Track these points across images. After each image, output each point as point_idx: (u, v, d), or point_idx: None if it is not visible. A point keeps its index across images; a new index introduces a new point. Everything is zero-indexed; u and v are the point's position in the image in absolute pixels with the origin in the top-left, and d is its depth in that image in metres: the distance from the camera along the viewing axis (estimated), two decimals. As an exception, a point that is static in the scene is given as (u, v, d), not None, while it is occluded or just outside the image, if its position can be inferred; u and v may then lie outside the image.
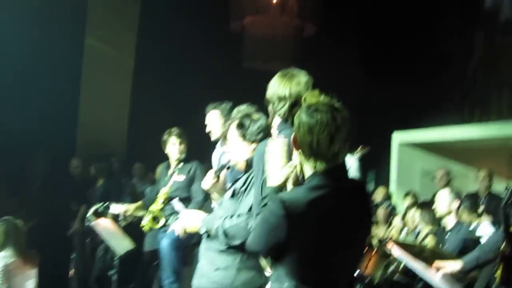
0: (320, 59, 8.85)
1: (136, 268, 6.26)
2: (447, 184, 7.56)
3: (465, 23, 7.88)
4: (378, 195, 7.78)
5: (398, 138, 8.79)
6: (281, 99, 2.78)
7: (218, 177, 3.31)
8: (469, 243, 4.56)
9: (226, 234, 3.03)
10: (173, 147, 5.34)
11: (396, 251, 3.29)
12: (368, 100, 9.35)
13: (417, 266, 3.23)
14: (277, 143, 2.33)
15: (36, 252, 6.02)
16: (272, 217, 2.11)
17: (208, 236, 3.25)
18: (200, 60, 8.58)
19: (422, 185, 8.78)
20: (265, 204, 2.24)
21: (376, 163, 9.11)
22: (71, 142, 8.01)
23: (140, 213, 5.61)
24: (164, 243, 5.11)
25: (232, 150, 3.28)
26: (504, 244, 2.85)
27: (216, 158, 4.64)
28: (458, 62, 8.05)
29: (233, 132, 3.22)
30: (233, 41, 8.58)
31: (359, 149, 4.87)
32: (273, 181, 2.27)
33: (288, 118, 2.74)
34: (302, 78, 2.86)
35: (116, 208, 5.39)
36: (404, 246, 3.79)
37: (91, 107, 8.11)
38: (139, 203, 5.57)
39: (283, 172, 2.26)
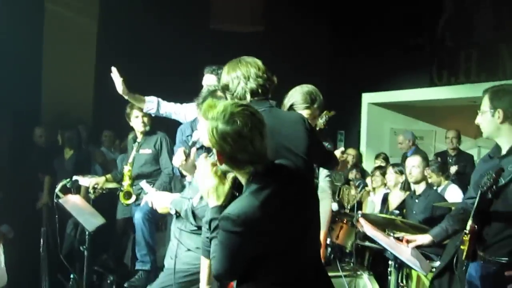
0: (288, 21, 8.73)
1: (109, 238, 6.24)
2: (412, 144, 7.69)
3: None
4: (349, 156, 7.86)
5: (367, 98, 8.83)
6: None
7: (187, 155, 3.24)
8: (437, 210, 4.65)
9: (194, 215, 3.01)
10: (136, 120, 5.28)
11: (366, 229, 3.32)
12: (337, 63, 9.33)
13: (386, 242, 3.27)
14: (204, 165, 2.25)
15: (8, 227, 5.97)
16: (230, 238, 2.05)
17: (178, 216, 3.24)
18: (166, 21, 8.36)
19: (391, 144, 8.91)
20: (215, 227, 2.16)
21: (346, 125, 9.17)
22: (35, 110, 7.76)
23: (110, 185, 5.57)
24: (137, 216, 5.09)
25: (201, 128, 3.22)
26: (471, 219, 2.90)
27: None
28: (426, 24, 8.02)
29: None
30: (199, 2, 8.37)
31: (324, 113, 4.80)
32: (212, 202, 2.21)
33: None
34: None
35: (85, 181, 5.32)
36: (373, 220, 3.84)
37: (54, 73, 7.83)
38: (108, 175, 5.52)
39: (220, 191, 2.19)
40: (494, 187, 2.80)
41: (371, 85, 8.63)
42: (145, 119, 5.26)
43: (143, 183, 3.69)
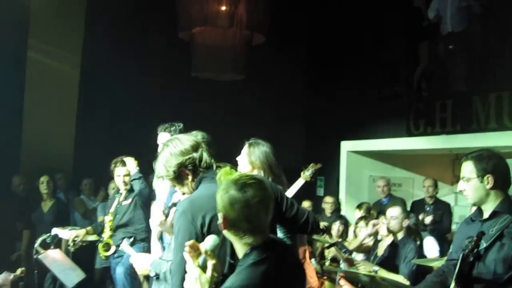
0: (268, 69, 8.91)
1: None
2: (389, 192, 7.80)
3: (409, 34, 8.07)
4: (327, 204, 7.94)
5: (346, 147, 8.96)
6: (195, 148, 2.72)
7: (166, 216, 3.27)
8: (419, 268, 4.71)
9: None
10: (118, 178, 5.38)
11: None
12: (316, 111, 9.49)
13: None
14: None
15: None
16: None
17: (157, 278, 3.24)
18: (148, 69, 8.47)
19: (370, 191, 9.00)
20: None
21: (325, 171, 9.26)
22: (14, 158, 7.72)
23: (90, 238, 5.54)
24: (119, 271, 5.07)
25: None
26: (454, 281, 2.94)
27: (160, 186, 4.60)
28: (403, 73, 8.25)
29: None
30: (182, 50, 8.49)
31: (311, 165, 4.86)
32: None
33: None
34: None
35: (65, 233, 5.29)
36: (354, 277, 3.87)
37: (35, 121, 7.84)
38: (89, 228, 5.51)
39: (203, 280, 2.19)
40: (475, 250, 2.84)
41: (350, 134, 8.78)
42: (126, 179, 5.35)
43: (124, 244, 3.70)
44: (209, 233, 2.51)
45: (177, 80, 8.50)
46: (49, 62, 7.96)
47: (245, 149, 3.73)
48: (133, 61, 8.19)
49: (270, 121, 9.13)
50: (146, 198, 5.16)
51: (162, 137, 4.61)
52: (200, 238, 2.44)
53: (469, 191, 3.01)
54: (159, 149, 4.59)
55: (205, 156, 2.70)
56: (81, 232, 5.38)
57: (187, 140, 2.72)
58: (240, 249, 2.21)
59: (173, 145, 2.70)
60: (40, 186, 6.77)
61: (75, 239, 5.27)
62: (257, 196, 2.15)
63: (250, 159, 3.61)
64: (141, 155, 5.65)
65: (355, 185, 9.02)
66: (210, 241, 2.27)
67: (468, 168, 2.99)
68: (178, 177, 2.69)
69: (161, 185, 4.42)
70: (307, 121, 9.85)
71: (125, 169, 5.32)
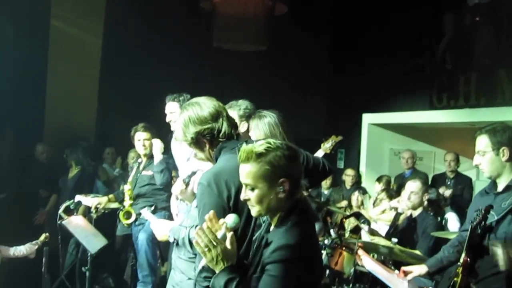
0: (290, 40, 8.83)
1: (108, 255, 6.29)
2: (413, 165, 7.77)
3: (434, 5, 7.91)
4: (348, 177, 7.94)
5: (368, 119, 8.91)
6: (215, 117, 2.63)
7: (187, 184, 3.29)
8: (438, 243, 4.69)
9: (191, 244, 3.06)
10: (138, 143, 5.37)
11: (365, 262, 3.38)
12: (338, 83, 9.42)
13: (384, 275, 3.32)
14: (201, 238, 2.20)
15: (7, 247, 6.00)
16: (291, 269, 2.06)
17: (177, 244, 3.28)
18: (170, 40, 8.44)
19: (391, 164, 8.97)
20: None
21: (346, 144, 9.23)
22: (37, 127, 7.83)
23: (112, 205, 5.63)
24: (141, 238, 5.15)
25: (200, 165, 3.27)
26: (464, 251, 2.96)
27: (176, 149, 4.63)
28: (427, 45, 8.11)
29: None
30: (203, 20, 8.45)
31: (331, 137, 4.80)
32: (221, 266, 2.17)
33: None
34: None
35: (88, 201, 5.37)
36: (373, 247, 3.89)
37: (58, 90, 7.91)
38: (111, 196, 5.58)
39: (230, 253, 2.17)
40: (482, 223, 2.84)
41: (372, 106, 8.71)
42: (146, 143, 5.34)
43: (144, 211, 3.74)
44: (235, 207, 2.50)
45: (199, 50, 8.48)
46: (72, 31, 7.99)
47: (250, 123, 3.68)
48: (154, 31, 8.17)
49: (292, 92, 9.08)
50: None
51: (170, 106, 4.62)
52: (227, 211, 2.42)
53: (485, 165, 3.04)
54: (167, 119, 4.64)
55: (225, 126, 2.62)
56: (103, 199, 5.45)
57: (207, 107, 2.63)
58: (276, 211, 2.20)
59: (192, 110, 2.62)
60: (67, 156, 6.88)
61: (97, 206, 5.34)
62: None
63: (255, 132, 3.57)
64: (161, 124, 5.70)
65: (375, 158, 9.00)
66: (232, 218, 2.25)
67: (483, 142, 3.02)
68: (196, 143, 2.63)
69: (178, 147, 4.43)
70: (329, 92, 9.79)
71: (146, 134, 5.31)
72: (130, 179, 5.40)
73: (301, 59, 9.18)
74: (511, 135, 3.01)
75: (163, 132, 5.47)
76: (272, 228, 2.23)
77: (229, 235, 2.19)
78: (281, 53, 8.79)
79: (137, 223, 5.25)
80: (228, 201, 2.48)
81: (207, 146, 2.64)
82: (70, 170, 6.84)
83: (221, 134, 2.61)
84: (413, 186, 5.11)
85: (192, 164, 3.58)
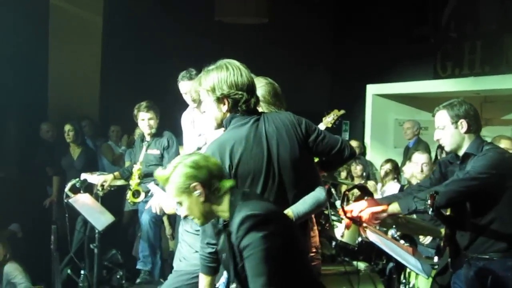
0: (292, 12, 8.74)
1: (116, 231, 6.35)
2: (417, 134, 7.75)
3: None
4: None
5: (372, 90, 8.85)
6: (249, 89, 2.64)
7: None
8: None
9: None
10: (142, 122, 5.36)
11: (370, 235, 3.39)
12: (341, 54, 9.35)
13: (388, 246, 3.34)
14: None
15: (17, 226, 6.08)
16: (267, 242, 2.14)
17: (185, 217, 3.31)
18: (170, 14, 8.37)
19: (395, 135, 8.95)
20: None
21: (350, 115, 9.20)
22: (41, 106, 7.84)
23: (117, 183, 5.65)
24: (144, 218, 5.20)
25: (208, 131, 3.29)
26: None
27: (187, 121, 4.62)
28: (431, 13, 8.01)
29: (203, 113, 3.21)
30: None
31: (333, 111, 4.78)
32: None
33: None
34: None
35: (94, 179, 5.39)
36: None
37: (60, 69, 7.89)
38: (116, 173, 5.59)
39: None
40: (432, 209, 2.86)
41: (376, 77, 8.65)
42: (151, 122, 5.33)
43: (151, 185, 3.76)
44: (236, 175, 2.56)
45: (200, 24, 8.41)
46: (72, 9, 7.94)
47: None
48: (155, 6, 8.10)
49: (295, 65, 9.01)
50: None
51: (184, 86, 4.56)
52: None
53: (445, 139, 3.16)
54: (187, 99, 4.59)
55: (253, 100, 2.65)
56: (109, 177, 5.45)
57: (246, 77, 2.63)
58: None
59: (233, 72, 2.61)
60: (65, 134, 6.90)
61: (103, 183, 5.37)
62: None
63: None
64: (164, 100, 5.69)
65: (380, 129, 8.97)
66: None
67: (442, 117, 3.16)
68: (218, 99, 2.64)
69: (188, 123, 4.42)
70: (332, 64, 9.71)
71: (149, 114, 5.30)
72: (141, 159, 5.36)
73: (303, 31, 9.09)
74: (467, 108, 3.13)
75: (167, 108, 5.47)
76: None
77: None
78: (283, 25, 8.71)
79: (144, 199, 5.28)
80: (229, 170, 2.56)
81: (225, 108, 2.65)
82: (72, 149, 6.85)
83: (245, 105, 2.63)
84: (423, 158, 5.11)
85: (199, 139, 3.59)
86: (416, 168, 5.13)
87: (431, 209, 2.83)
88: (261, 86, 2.96)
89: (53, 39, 7.86)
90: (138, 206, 5.55)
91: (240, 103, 2.62)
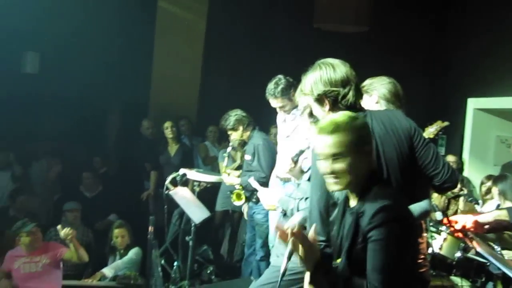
0: (393, 21, 8.59)
1: (208, 229, 6.51)
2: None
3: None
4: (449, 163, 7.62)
5: (473, 104, 8.50)
6: (344, 83, 2.62)
7: (295, 162, 3.35)
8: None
9: None
10: (232, 133, 5.52)
11: (477, 246, 3.25)
12: (442, 65, 9.05)
13: (498, 259, 3.19)
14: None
15: (116, 216, 6.36)
16: (395, 237, 2.11)
17: (285, 215, 3.34)
18: (271, 19, 8.48)
19: (496, 152, 8.53)
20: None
21: (448, 129, 8.86)
22: (143, 103, 8.19)
23: (213, 180, 5.79)
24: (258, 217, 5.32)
25: (310, 135, 3.29)
26: None
27: (281, 121, 4.67)
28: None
29: (307, 119, 3.21)
30: (304, 0, 8.42)
31: (437, 122, 4.64)
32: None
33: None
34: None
35: (192, 174, 5.56)
36: (482, 235, 3.73)
37: (163, 68, 8.22)
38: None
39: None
40: None
41: (478, 90, 8.29)
42: (239, 132, 5.53)
43: (251, 180, 3.82)
44: None
45: (299, 31, 8.45)
46: (178, 11, 8.25)
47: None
48: (257, 11, 8.24)
49: (393, 74, 8.80)
50: None
51: (273, 103, 4.66)
52: None
53: None
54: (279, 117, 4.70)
55: (351, 94, 2.62)
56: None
57: (340, 71, 2.64)
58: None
59: (325, 70, 2.64)
60: (164, 131, 7.16)
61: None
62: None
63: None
64: (260, 105, 5.76)
65: (480, 145, 8.57)
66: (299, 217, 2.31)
67: None
68: (319, 100, 2.66)
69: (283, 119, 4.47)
70: (431, 75, 9.42)
71: (235, 133, 5.47)
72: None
73: (403, 40, 8.89)
74: None
75: (262, 113, 5.54)
76: (352, 203, 2.26)
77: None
78: (383, 34, 8.57)
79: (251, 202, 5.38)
80: None
81: (327, 107, 2.65)
82: (170, 147, 7.08)
83: (344, 100, 2.61)
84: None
85: (299, 142, 3.62)
86: None
87: None
88: (383, 84, 2.98)
89: (158, 40, 8.19)
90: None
91: (339, 99, 2.62)
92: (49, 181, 7.35)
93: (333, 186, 2.24)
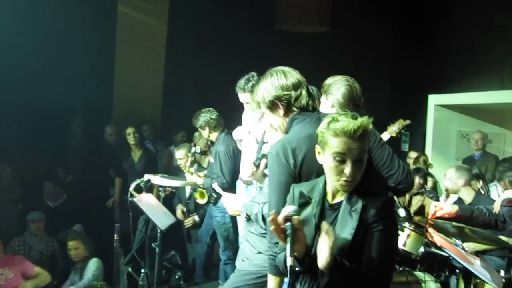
0: (353, 20, 8.69)
1: (174, 234, 6.46)
2: (483, 147, 7.52)
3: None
4: (411, 160, 7.75)
5: (434, 100, 8.66)
6: (296, 87, 2.64)
7: (257, 166, 3.35)
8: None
9: (264, 219, 3.10)
10: (201, 131, 5.49)
11: (437, 240, 3.32)
12: (402, 63, 9.19)
13: (457, 253, 3.26)
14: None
15: (80, 227, 6.25)
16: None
17: (249, 219, 3.34)
18: (232, 22, 8.49)
19: (458, 147, 8.71)
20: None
21: (411, 126, 9.00)
22: (106, 109, 8.09)
23: (177, 185, 5.76)
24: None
25: (272, 138, 3.30)
26: None
27: (246, 119, 4.68)
28: (497, 22, 7.78)
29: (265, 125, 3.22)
30: (265, 2, 8.45)
31: (399, 121, 4.72)
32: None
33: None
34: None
35: (156, 180, 5.51)
36: (442, 228, 3.80)
37: (125, 73, 8.14)
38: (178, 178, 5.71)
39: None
40: None
41: (438, 87, 8.46)
42: (206, 133, 5.53)
43: (215, 185, 3.81)
44: (300, 173, 2.53)
45: (261, 32, 8.48)
46: (138, 16, 8.18)
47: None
48: (218, 14, 8.25)
49: (354, 73, 8.90)
50: None
51: (242, 97, 4.64)
52: (294, 177, 2.48)
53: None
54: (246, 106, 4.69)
55: (303, 96, 2.65)
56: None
57: (291, 76, 2.67)
58: None
59: (277, 76, 2.67)
60: (126, 137, 7.08)
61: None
62: None
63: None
64: (226, 106, 5.75)
65: (442, 141, 8.74)
66: (290, 209, 2.16)
67: None
68: (272, 107, 2.68)
69: (249, 115, 4.47)
70: (392, 73, 9.57)
71: (204, 133, 5.48)
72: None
73: (364, 40, 9.01)
74: None
75: (227, 114, 5.53)
76: (337, 199, 2.26)
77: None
78: (343, 34, 8.67)
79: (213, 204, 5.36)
80: (294, 168, 2.52)
81: (281, 111, 2.67)
82: (133, 152, 7.01)
83: (296, 102, 2.64)
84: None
85: (264, 147, 3.63)
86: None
87: None
88: (338, 88, 2.99)
89: (119, 45, 8.10)
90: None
91: (292, 102, 2.65)
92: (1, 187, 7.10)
93: (345, 187, 2.20)
